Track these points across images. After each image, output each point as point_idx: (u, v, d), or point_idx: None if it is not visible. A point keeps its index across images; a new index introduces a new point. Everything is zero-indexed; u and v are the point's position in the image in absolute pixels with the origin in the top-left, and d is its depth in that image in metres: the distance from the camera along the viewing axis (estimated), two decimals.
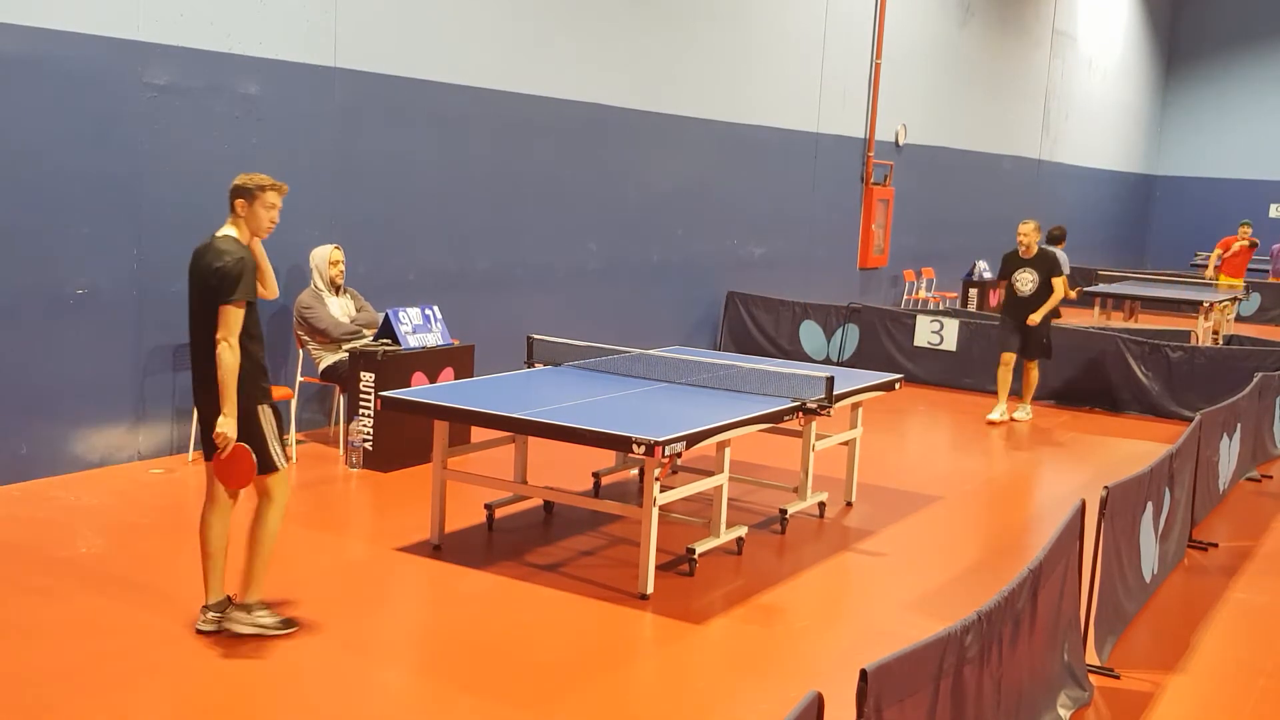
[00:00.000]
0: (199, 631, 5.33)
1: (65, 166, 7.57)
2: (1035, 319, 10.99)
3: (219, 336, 5.00)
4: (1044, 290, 10.98)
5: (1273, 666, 5.69)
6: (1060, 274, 11.03)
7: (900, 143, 17.71)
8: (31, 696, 4.69)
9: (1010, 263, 11.19)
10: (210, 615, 5.34)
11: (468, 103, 10.34)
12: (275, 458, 5.24)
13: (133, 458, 8.17)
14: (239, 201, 5.24)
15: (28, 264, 7.44)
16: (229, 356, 5.00)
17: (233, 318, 5.02)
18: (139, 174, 7.97)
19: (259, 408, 5.18)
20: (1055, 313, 11.27)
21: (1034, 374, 11.41)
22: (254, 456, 5.09)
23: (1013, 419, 11.26)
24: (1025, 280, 11.03)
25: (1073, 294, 12.37)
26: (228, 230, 5.25)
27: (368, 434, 8.31)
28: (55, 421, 7.71)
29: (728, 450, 6.57)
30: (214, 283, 5.03)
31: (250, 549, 5.34)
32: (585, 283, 12.00)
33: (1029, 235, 10.97)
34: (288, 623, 5.40)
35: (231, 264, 5.04)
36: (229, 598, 5.39)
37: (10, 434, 7.48)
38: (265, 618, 5.35)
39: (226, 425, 5.01)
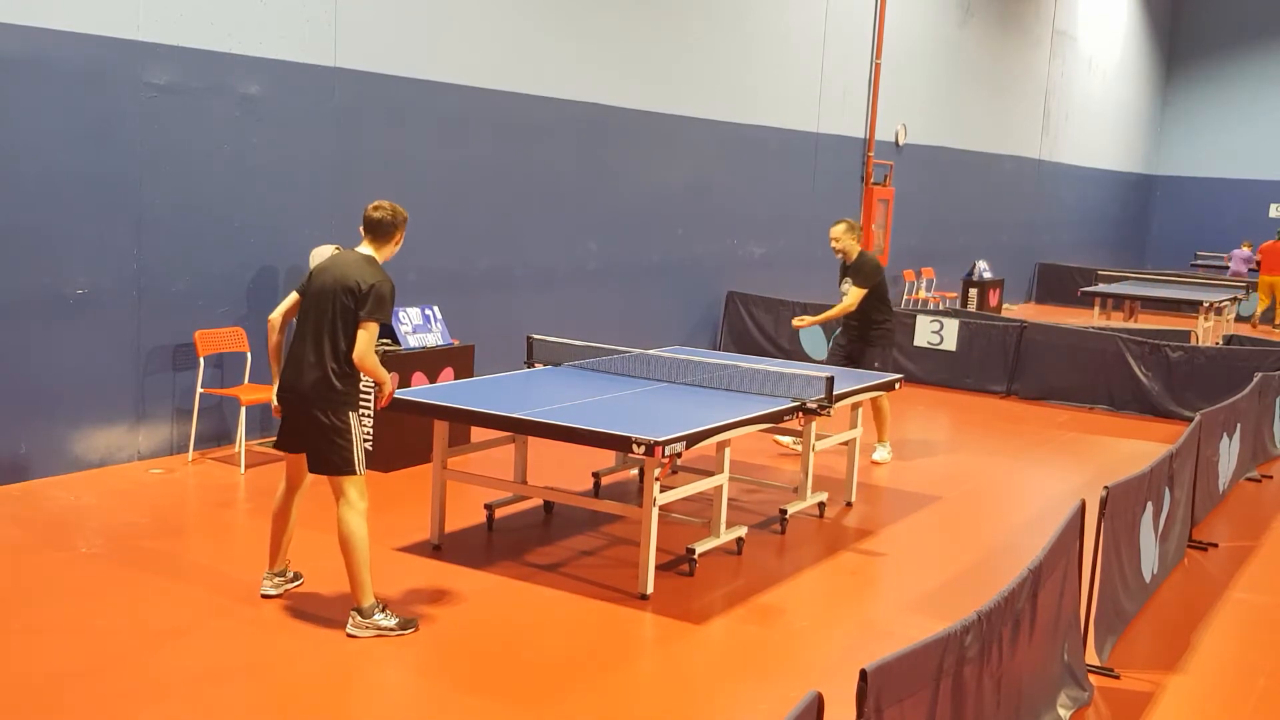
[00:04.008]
0: (263, 596, 5.76)
1: (65, 166, 7.57)
2: (801, 321, 9.35)
3: (360, 349, 5.35)
4: (867, 300, 9.04)
5: (1273, 666, 5.69)
6: (865, 283, 8.97)
7: (900, 143, 17.71)
8: (33, 697, 4.70)
9: (842, 272, 9.26)
10: (275, 580, 5.82)
11: (468, 103, 10.34)
12: (357, 463, 5.47)
13: (133, 458, 8.17)
14: (399, 232, 5.62)
15: (28, 264, 7.44)
16: (371, 361, 5.40)
17: (373, 334, 5.39)
18: (139, 174, 7.97)
19: (351, 414, 5.47)
20: (871, 335, 9.14)
21: (883, 405, 9.18)
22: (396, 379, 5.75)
23: (871, 460, 9.29)
24: (845, 291, 9.13)
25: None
26: (369, 252, 5.56)
27: (368, 434, 8.31)
28: (55, 421, 7.71)
29: (728, 450, 6.57)
30: (360, 298, 5.35)
31: (344, 556, 5.46)
32: (585, 283, 12.00)
33: (840, 239, 9.03)
34: (408, 623, 5.48)
35: (387, 288, 5.41)
36: (285, 568, 5.87)
37: (10, 434, 7.48)
38: (384, 619, 5.44)
39: (386, 387, 5.64)
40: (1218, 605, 6.52)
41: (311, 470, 5.57)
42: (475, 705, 4.82)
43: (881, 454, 9.40)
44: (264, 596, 5.78)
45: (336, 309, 5.38)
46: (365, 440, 8.29)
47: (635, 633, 5.71)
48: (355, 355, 5.35)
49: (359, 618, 5.40)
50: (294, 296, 5.66)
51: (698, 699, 5.03)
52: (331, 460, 5.44)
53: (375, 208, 5.58)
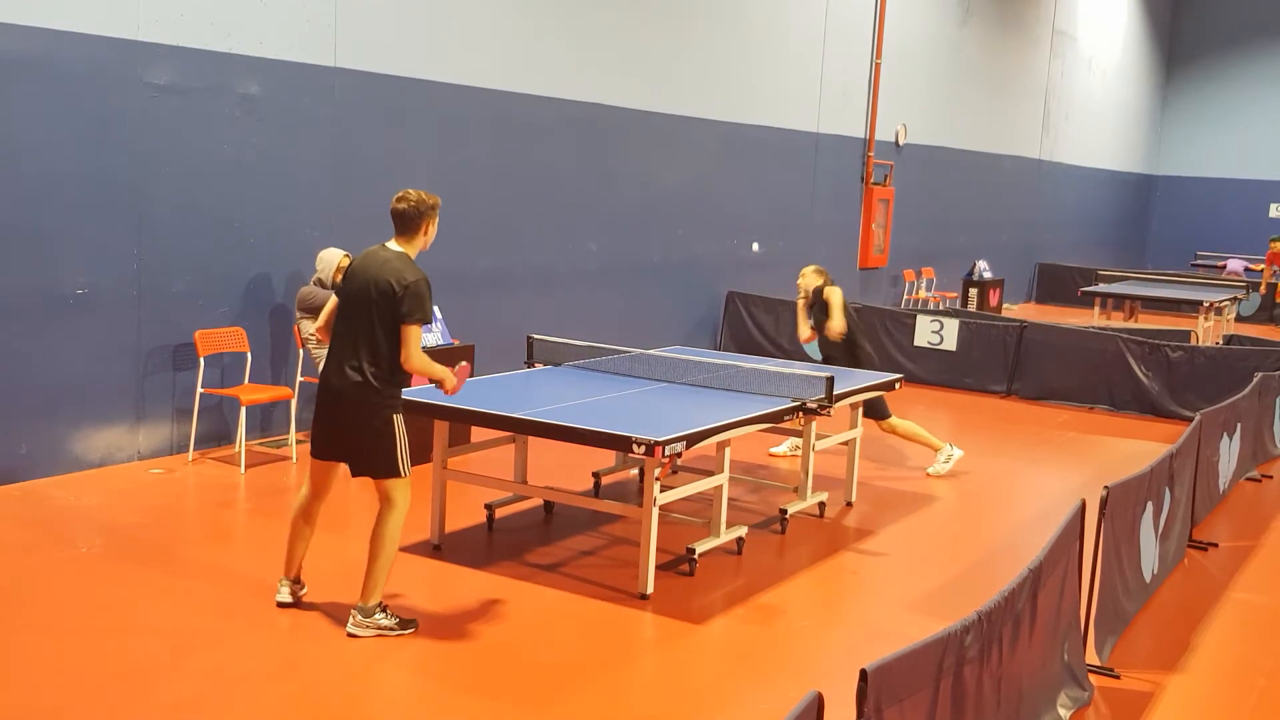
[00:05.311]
0: (279, 604, 5.60)
1: (65, 166, 7.57)
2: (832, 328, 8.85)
3: (409, 354, 5.24)
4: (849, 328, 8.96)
5: (1273, 666, 5.69)
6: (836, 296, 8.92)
7: (900, 143, 17.71)
8: (33, 696, 4.70)
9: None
10: (291, 587, 5.67)
11: (468, 103, 10.34)
12: (402, 465, 5.40)
13: (133, 458, 8.17)
14: (428, 222, 5.41)
15: (28, 264, 7.44)
16: (421, 361, 5.29)
17: (417, 337, 5.25)
18: (139, 174, 7.97)
19: (395, 416, 5.38)
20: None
21: (899, 428, 9.03)
22: (470, 366, 5.59)
23: (929, 473, 9.15)
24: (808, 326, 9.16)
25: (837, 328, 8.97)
26: (400, 248, 5.40)
27: None
28: (55, 421, 7.71)
29: (728, 450, 6.57)
30: (397, 300, 5.20)
31: (372, 553, 5.41)
32: (585, 283, 12.00)
33: (806, 276, 9.03)
34: (408, 623, 5.46)
35: (423, 287, 5.25)
36: (298, 577, 5.72)
37: (10, 434, 7.48)
38: (384, 619, 5.41)
39: (448, 382, 5.43)
40: (1218, 605, 6.52)
41: (356, 474, 5.48)
42: (475, 705, 4.82)
43: (939, 467, 9.10)
44: (280, 605, 5.65)
45: (374, 311, 5.24)
46: None
47: (635, 633, 5.70)
48: (405, 362, 5.25)
49: (360, 617, 5.39)
50: (333, 300, 5.54)
51: (698, 699, 5.03)
52: (377, 464, 5.38)
53: (399, 199, 5.38)
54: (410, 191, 5.41)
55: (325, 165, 9.18)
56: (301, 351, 8.93)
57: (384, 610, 5.44)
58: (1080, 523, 4.99)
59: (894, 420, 9.00)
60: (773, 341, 13.89)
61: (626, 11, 12.06)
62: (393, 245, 5.42)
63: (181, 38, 8.11)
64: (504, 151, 10.80)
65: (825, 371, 7.79)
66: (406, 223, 5.38)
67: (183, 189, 8.23)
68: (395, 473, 5.38)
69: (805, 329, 9.17)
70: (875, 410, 8.85)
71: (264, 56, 8.64)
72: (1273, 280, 21.22)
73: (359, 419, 5.32)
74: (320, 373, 5.52)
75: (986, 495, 8.78)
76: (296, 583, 5.71)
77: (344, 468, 5.55)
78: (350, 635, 5.37)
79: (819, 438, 7.70)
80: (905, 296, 18.39)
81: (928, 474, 9.15)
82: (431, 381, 5.50)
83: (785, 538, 7.31)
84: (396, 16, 9.60)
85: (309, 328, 8.40)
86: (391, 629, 5.40)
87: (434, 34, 9.96)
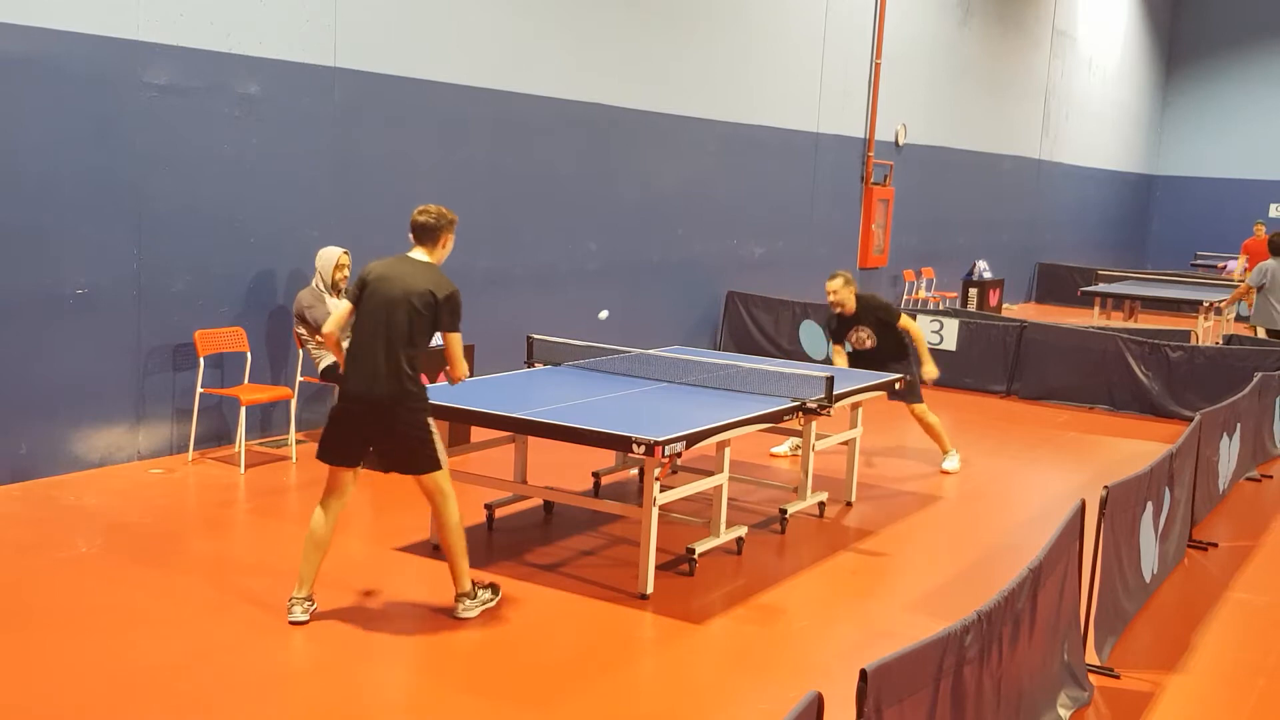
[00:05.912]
0: (293, 623, 5.47)
1: (65, 166, 7.57)
2: (930, 372, 8.95)
3: (456, 359, 5.55)
4: (887, 341, 8.86)
5: (1273, 666, 5.69)
6: (895, 315, 8.85)
7: (900, 143, 17.71)
8: (32, 697, 4.70)
9: (842, 325, 8.94)
10: (307, 605, 5.54)
11: (468, 103, 10.34)
12: (441, 458, 5.59)
13: (132, 458, 8.17)
14: (447, 235, 5.64)
15: (27, 264, 7.44)
16: (464, 368, 5.63)
17: (460, 344, 5.56)
18: (139, 174, 7.97)
19: (429, 418, 5.60)
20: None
21: (927, 416, 9.10)
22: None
23: (942, 469, 9.23)
24: (861, 340, 8.90)
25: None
26: (427, 258, 5.61)
27: None
28: (55, 421, 7.71)
29: (728, 450, 6.57)
30: (438, 309, 5.45)
31: (446, 546, 5.67)
32: (585, 283, 12.00)
33: (839, 292, 8.73)
34: (495, 588, 5.88)
35: (459, 296, 5.53)
36: (310, 595, 5.61)
37: (10, 434, 7.48)
38: (484, 594, 5.79)
39: (467, 374, 5.71)
40: (1218, 605, 6.52)
41: (402, 472, 5.63)
42: (475, 705, 4.82)
43: (950, 463, 9.25)
44: (294, 623, 5.46)
45: (412, 320, 5.42)
46: None
47: (635, 633, 5.71)
48: (454, 369, 5.55)
49: (467, 602, 5.68)
50: (347, 306, 5.65)
51: (698, 699, 5.03)
52: (420, 461, 5.55)
53: (421, 212, 5.61)
54: (431, 206, 5.66)
55: (325, 165, 9.18)
56: (301, 352, 8.93)
57: (477, 589, 5.74)
58: (1080, 522, 4.99)
59: (924, 408, 9.03)
60: (773, 341, 13.89)
61: (626, 12, 12.06)
62: (418, 255, 5.61)
63: (181, 38, 8.11)
64: (504, 151, 10.81)
65: (825, 371, 7.79)
66: (428, 234, 5.60)
67: (183, 189, 8.23)
68: (438, 465, 5.58)
69: (841, 357, 8.98)
70: (908, 393, 8.85)
71: (264, 56, 8.64)
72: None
73: (400, 423, 5.48)
74: (345, 379, 5.55)
75: (986, 495, 8.78)
76: (310, 600, 5.57)
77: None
78: (462, 619, 5.64)
79: (819, 438, 7.70)
80: (905, 296, 18.38)
81: (942, 470, 9.20)
82: (449, 378, 5.74)
83: (785, 538, 7.31)
84: (396, 16, 9.60)
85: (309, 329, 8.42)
86: (491, 600, 5.78)
87: (434, 34, 9.96)
